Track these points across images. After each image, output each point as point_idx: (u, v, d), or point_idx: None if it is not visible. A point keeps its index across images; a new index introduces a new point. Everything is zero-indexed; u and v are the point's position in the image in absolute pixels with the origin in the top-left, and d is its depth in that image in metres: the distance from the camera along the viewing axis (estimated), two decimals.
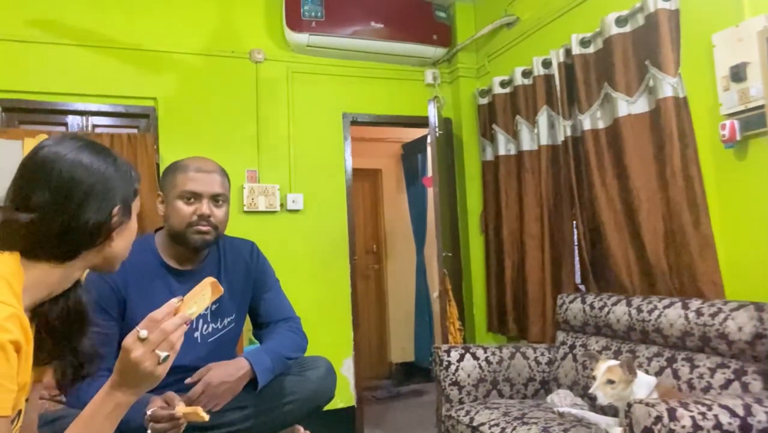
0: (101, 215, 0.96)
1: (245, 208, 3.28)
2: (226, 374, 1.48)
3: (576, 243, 2.92)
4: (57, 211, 0.92)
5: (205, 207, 1.57)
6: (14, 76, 2.93)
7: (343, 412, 3.38)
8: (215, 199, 1.60)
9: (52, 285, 0.94)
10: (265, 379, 1.55)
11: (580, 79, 2.77)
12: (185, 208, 1.56)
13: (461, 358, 2.60)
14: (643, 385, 1.91)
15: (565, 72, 2.90)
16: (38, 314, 0.95)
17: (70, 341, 1.00)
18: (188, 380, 1.46)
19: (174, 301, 0.99)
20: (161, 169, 3.08)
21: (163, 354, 0.92)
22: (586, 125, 2.73)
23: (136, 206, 1.06)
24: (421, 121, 3.59)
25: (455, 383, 2.57)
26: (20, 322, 0.83)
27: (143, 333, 0.92)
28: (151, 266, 1.59)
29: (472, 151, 3.76)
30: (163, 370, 0.94)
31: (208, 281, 1.08)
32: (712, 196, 2.23)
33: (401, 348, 5.06)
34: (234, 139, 3.32)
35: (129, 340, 0.93)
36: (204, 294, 1.06)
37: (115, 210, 0.99)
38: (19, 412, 0.89)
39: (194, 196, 1.57)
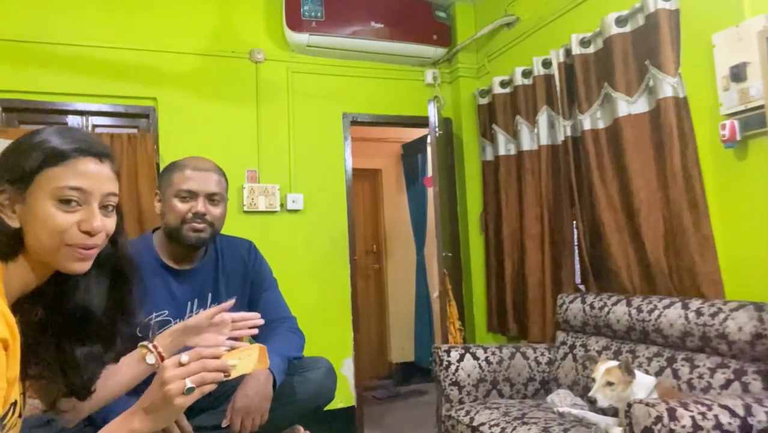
0: None
1: (245, 208, 3.28)
2: (248, 388, 1.48)
3: (576, 243, 2.92)
4: None
5: (200, 205, 1.58)
6: (14, 76, 2.93)
7: (343, 412, 3.38)
8: (211, 198, 1.62)
9: (16, 285, 0.91)
10: (281, 380, 1.55)
11: (580, 79, 2.77)
12: (180, 206, 1.58)
13: (461, 358, 2.60)
14: (643, 385, 1.91)
15: (565, 72, 2.90)
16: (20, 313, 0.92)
17: (57, 346, 0.97)
18: (224, 423, 1.45)
19: (222, 348, 1.03)
20: (161, 170, 3.08)
21: (189, 384, 0.91)
22: (586, 125, 2.73)
23: (47, 184, 0.90)
24: (421, 121, 3.59)
25: (455, 383, 2.57)
26: (5, 318, 0.82)
27: (184, 358, 0.94)
28: (149, 266, 1.59)
29: (472, 151, 3.76)
30: (183, 402, 0.91)
31: (258, 346, 1.07)
32: (712, 196, 2.23)
33: (401, 348, 5.05)
34: (234, 139, 3.32)
35: (169, 361, 0.94)
36: (250, 356, 1.04)
37: None
38: (14, 403, 0.88)
39: (190, 195, 1.59)
